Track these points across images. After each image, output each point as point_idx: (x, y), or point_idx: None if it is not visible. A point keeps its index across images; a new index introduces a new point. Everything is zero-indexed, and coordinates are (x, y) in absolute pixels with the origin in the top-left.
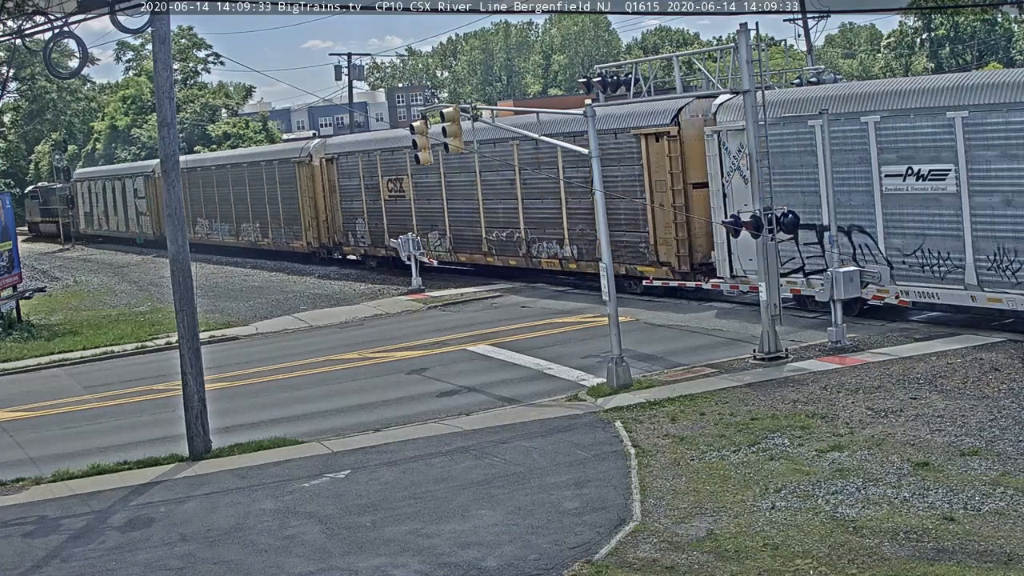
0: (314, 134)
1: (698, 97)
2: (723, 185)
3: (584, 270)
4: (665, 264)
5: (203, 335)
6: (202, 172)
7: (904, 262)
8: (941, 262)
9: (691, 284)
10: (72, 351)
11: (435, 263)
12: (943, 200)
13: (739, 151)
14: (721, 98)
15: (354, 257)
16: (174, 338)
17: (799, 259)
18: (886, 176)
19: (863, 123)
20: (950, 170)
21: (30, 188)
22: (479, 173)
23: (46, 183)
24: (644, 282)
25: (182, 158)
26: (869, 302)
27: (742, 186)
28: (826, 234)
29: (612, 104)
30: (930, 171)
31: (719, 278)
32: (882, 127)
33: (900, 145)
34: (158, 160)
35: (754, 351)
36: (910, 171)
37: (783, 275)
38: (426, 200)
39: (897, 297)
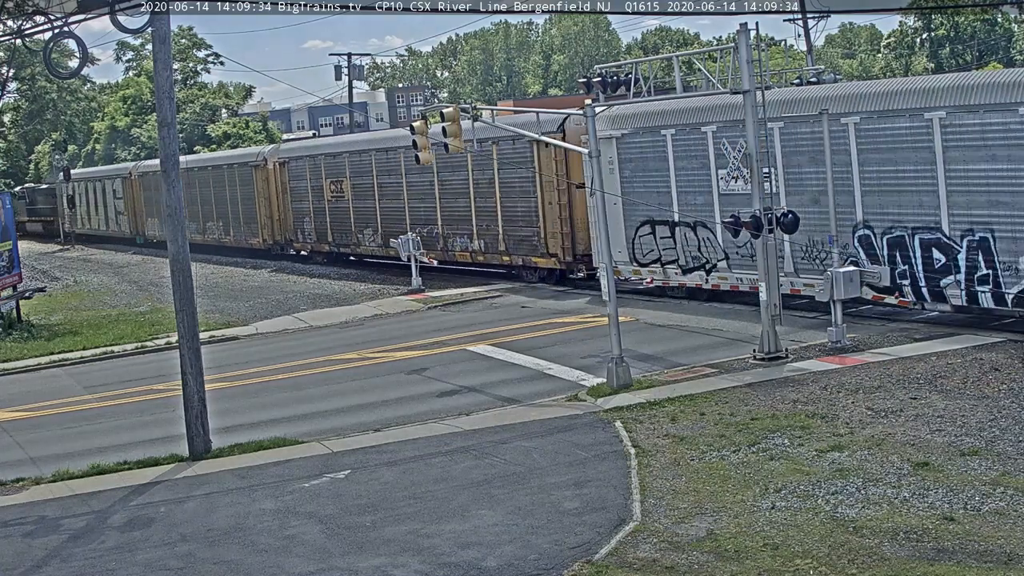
0: (314, 134)
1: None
2: (593, 185)
3: (489, 261)
4: (553, 255)
5: (203, 335)
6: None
7: (737, 252)
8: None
9: (572, 274)
10: (72, 351)
11: (435, 263)
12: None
13: (611, 157)
14: (596, 109)
15: (304, 253)
16: (174, 338)
17: (657, 252)
18: (722, 179)
19: (703, 132)
20: (770, 172)
21: (17, 188)
22: (404, 176)
23: (32, 184)
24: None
25: (150, 163)
26: (707, 288)
27: (614, 186)
28: (676, 229)
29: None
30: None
31: (595, 267)
32: (718, 136)
33: (732, 150)
34: (133, 163)
35: (754, 351)
36: (736, 174)
37: (644, 264)
38: (362, 200)
39: (731, 285)
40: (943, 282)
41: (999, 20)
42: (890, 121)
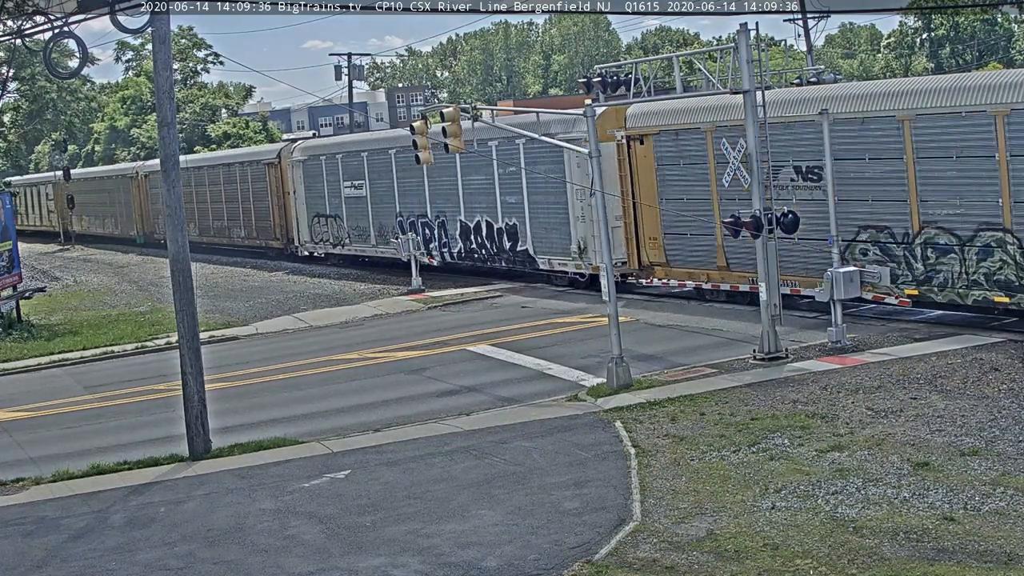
0: (314, 134)
1: (292, 141)
2: (293, 192)
3: (251, 245)
4: (279, 238)
5: (203, 335)
6: (84, 183)
7: (353, 233)
8: (364, 234)
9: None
10: (72, 351)
11: (434, 263)
12: (362, 199)
13: (301, 176)
14: (298, 143)
15: (162, 241)
16: (174, 338)
17: (322, 233)
18: (345, 187)
19: (336, 158)
20: (364, 183)
21: None
22: (208, 186)
23: None
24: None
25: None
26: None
27: (302, 196)
28: (328, 219)
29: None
30: (358, 183)
31: (295, 246)
32: (344, 161)
33: (350, 170)
34: (60, 172)
35: (754, 351)
36: (351, 184)
37: (316, 243)
38: (187, 204)
39: (353, 253)
40: (431, 246)
41: (999, 20)
42: (406, 154)
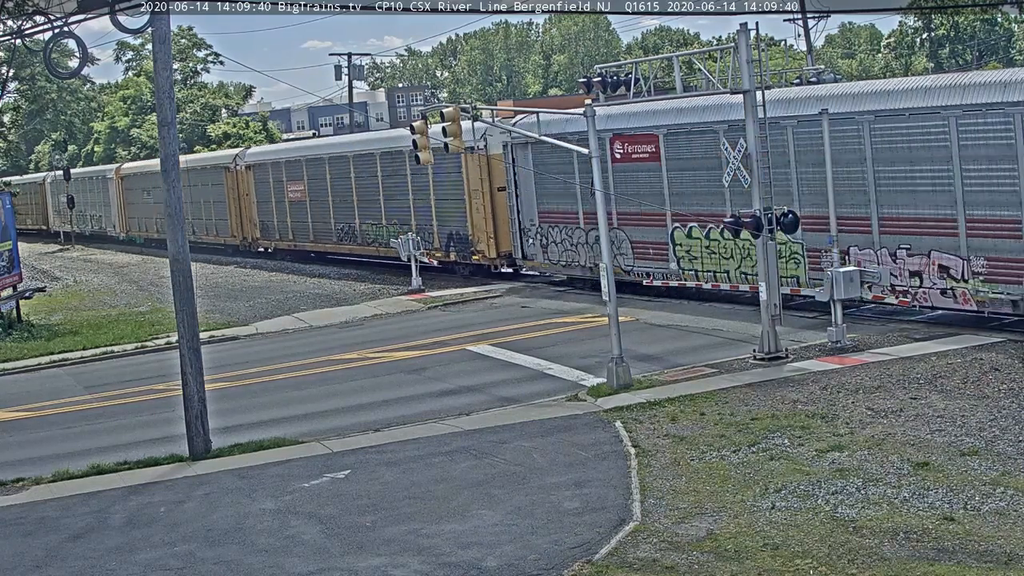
0: (314, 134)
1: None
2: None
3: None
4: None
5: (203, 335)
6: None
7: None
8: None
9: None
10: (72, 351)
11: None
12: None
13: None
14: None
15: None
16: (174, 338)
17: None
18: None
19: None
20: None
21: None
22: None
23: None
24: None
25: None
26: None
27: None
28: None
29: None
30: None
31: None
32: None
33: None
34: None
35: (754, 351)
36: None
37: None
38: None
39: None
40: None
41: (999, 20)
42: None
